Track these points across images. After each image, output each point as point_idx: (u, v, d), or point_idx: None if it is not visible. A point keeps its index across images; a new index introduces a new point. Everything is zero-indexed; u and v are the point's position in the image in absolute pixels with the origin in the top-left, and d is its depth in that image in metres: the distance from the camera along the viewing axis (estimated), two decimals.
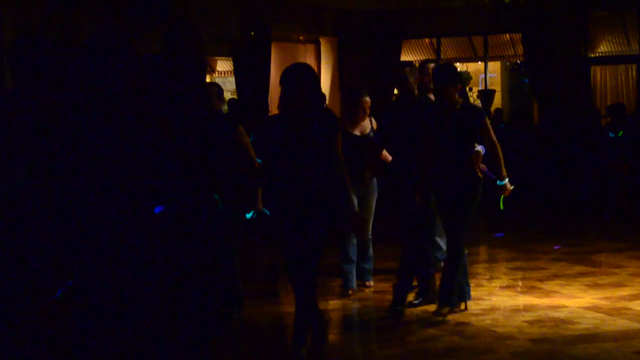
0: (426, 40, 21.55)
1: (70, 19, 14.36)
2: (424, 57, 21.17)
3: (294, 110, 6.82)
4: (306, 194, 6.79)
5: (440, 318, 8.20)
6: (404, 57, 21.15)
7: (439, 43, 21.34)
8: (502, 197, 8.63)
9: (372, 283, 9.66)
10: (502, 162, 8.41)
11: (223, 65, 21.97)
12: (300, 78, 6.79)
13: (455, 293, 8.35)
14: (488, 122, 8.38)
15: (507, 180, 8.51)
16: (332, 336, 7.90)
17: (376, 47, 20.32)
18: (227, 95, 21.69)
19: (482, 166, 9.13)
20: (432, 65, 9.80)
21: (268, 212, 7.46)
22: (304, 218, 6.80)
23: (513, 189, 8.62)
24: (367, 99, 9.46)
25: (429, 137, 8.28)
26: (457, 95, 8.24)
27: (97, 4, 14.36)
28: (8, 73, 10.06)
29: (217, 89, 8.62)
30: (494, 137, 8.35)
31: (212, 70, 22.06)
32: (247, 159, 8.18)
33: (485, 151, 8.75)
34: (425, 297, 8.77)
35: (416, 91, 8.83)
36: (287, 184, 6.84)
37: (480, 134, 8.32)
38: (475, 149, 8.49)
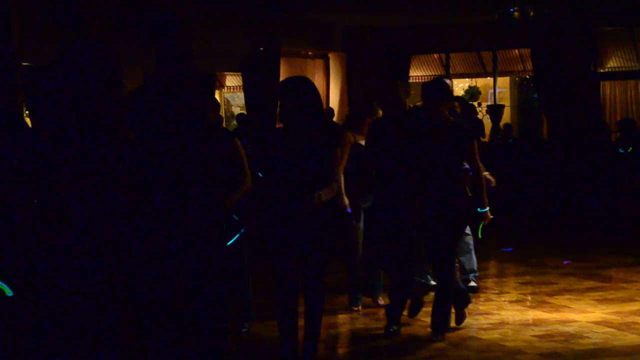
0: (435, 55, 21.58)
1: (80, 28, 14.41)
2: (433, 73, 21.21)
3: (289, 123, 6.76)
4: (300, 210, 6.69)
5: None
6: (413, 73, 21.21)
7: (447, 58, 21.36)
8: (481, 224, 8.26)
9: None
10: (485, 189, 8.14)
11: (232, 80, 22.01)
12: (297, 90, 6.74)
13: (449, 320, 8.20)
14: (476, 145, 8.11)
15: (487, 208, 8.17)
16: (342, 349, 7.90)
17: (385, 63, 20.35)
18: (236, 110, 21.75)
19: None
20: (447, 80, 9.81)
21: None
22: (296, 237, 6.72)
23: (492, 218, 8.30)
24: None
25: (420, 155, 8.05)
26: (447, 113, 8.04)
27: (106, 16, 14.41)
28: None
29: (214, 102, 8.43)
30: (479, 162, 8.09)
31: (222, 85, 22.12)
32: (241, 172, 7.92)
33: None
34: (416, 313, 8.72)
35: (407, 106, 8.56)
36: (281, 199, 6.75)
37: (466, 155, 8.02)
38: (464, 167, 8.17)
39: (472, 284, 10.13)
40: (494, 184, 10.13)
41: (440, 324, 8.06)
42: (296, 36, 19.11)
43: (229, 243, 7.45)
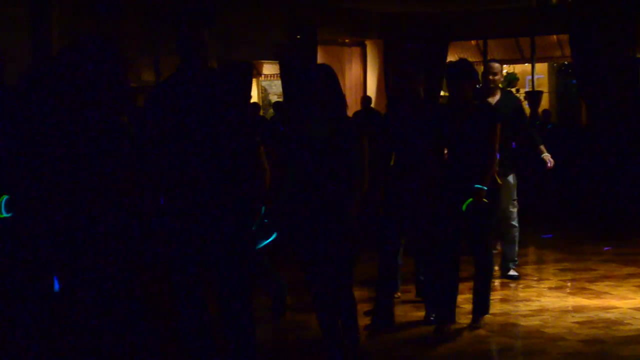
0: (472, 42, 21.49)
1: (118, 27, 14.48)
2: (471, 59, 21.09)
3: (308, 115, 6.64)
4: (323, 203, 6.54)
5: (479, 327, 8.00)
6: (451, 59, 21.11)
7: (485, 45, 21.26)
8: (469, 200, 7.66)
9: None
10: (494, 172, 7.82)
11: (269, 68, 22.04)
12: (314, 80, 6.61)
13: (488, 305, 8.10)
14: (498, 128, 7.83)
15: (484, 188, 7.70)
16: (381, 336, 7.90)
17: (422, 50, 20.28)
18: (273, 99, 21.78)
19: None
20: (496, 64, 9.81)
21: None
22: (321, 230, 6.55)
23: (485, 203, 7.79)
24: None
25: (439, 142, 7.87)
26: (470, 94, 7.80)
27: (144, 12, 14.47)
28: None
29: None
30: (496, 147, 7.82)
31: (259, 73, 22.15)
32: (259, 167, 7.70)
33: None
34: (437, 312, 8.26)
35: (422, 93, 8.21)
36: (304, 193, 6.60)
37: (486, 136, 7.78)
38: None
39: (513, 272, 10.13)
40: (550, 166, 10.20)
41: (479, 309, 8.03)
42: (333, 24, 19.11)
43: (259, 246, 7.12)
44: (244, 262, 5.85)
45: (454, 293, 7.94)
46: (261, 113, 19.05)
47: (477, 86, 8.54)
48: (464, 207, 7.62)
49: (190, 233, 5.77)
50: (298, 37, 18.20)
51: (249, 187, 5.89)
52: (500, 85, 10.06)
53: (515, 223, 10.04)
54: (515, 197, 10.06)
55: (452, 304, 7.94)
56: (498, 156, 8.27)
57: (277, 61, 19.24)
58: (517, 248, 10.19)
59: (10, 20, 10.37)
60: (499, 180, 7.95)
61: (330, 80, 6.64)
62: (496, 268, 9.95)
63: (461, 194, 7.68)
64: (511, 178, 9.90)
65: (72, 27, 12.99)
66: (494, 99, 9.70)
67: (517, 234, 10.10)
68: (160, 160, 5.79)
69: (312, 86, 6.63)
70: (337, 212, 6.51)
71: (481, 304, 8.03)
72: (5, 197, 5.74)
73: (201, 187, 5.76)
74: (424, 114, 8.03)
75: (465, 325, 8.02)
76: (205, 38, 5.88)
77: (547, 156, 10.21)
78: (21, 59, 10.00)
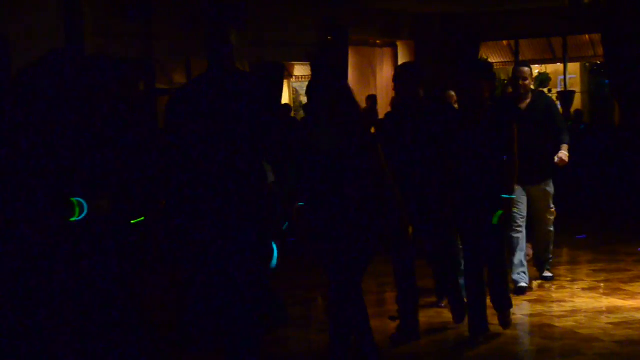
0: (504, 42, 21.43)
1: (149, 28, 14.54)
2: (503, 59, 21.07)
3: (315, 123, 6.43)
4: (339, 210, 6.33)
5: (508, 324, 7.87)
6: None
7: (517, 45, 21.20)
8: (499, 212, 7.47)
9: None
10: (512, 175, 7.55)
11: (301, 69, 22.07)
12: (320, 85, 6.41)
13: (508, 300, 7.87)
14: (515, 129, 7.54)
15: (513, 196, 7.62)
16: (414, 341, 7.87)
17: (454, 50, 20.24)
18: (304, 100, 21.80)
19: None
20: (526, 68, 9.56)
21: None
22: (341, 232, 6.35)
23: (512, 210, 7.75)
24: (452, 93, 9.33)
25: (448, 145, 7.51)
26: (487, 95, 7.50)
27: (176, 13, 14.52)
28: None
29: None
30: (515, 149, 7.52)
31: (290, 74, 22.19)
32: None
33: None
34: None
35: (421, 93, 7.64)
36: (319, 200, 6.40)
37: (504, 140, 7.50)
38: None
39: (547, 273, 10.05)
40: (558, 162, 9.63)
41: (499, 307, 7.82)
42: (364, 25, 19.12)
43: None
44: (258, 268, 5.85)
45: (484, 304, 7.73)
46: (292, 114, 19.07)
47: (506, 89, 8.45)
48: (495, 220, 7.44)
49: (209, 236, 5.79)
50: (329, 38, 18.21)
51: (266, 190, 5.88)
52: (532, 87, 9.79)
53: (551, 228, 9.86)
54: (551, 205, 9.71)
55: (484, 314, 7.73)
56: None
57: (309, 63, 19.27)
58: (551, 249, 10.07)
59: (43, 21, 10.45)
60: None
61: (342, 96, 6.40)
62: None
63: (483, 204, 7.48)
64: (548, 185, 9.61)
65: (104, 29, 13.07)
66: (524, 104, 9.52)
67: (552, 238, 9.96)
68: (181, 160, 5.79)
69: (321, 101, 6.41)
70: (347, 224, 6.34)
71: (503, 302, 7.83)
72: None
73: (217, 190, 5.75)
74: (424, 115, 7.59)
75: (497, 326, 7.99)
76: (232, 40, 5.86)
77: (563, 154, 9.60)
78: None
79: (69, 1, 10.92)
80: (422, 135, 7.52)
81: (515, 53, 21.18)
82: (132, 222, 5.89)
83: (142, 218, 6.73)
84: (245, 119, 5.80)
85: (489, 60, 21.10)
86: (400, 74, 7.54)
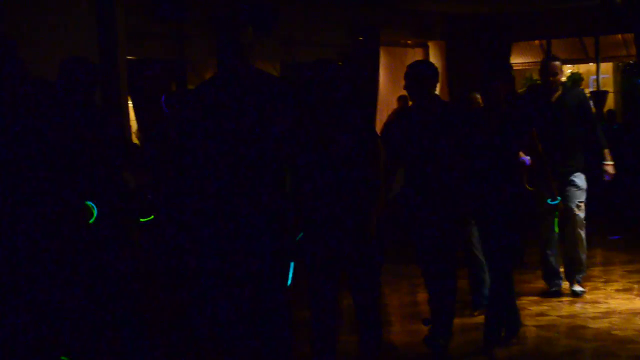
0: (536, 42, 21.32)
1: (182, 30, 14.58)
2: (534, 60, 20.97)
3: (321, 125, 6.31)
4: (340, 216, 6.27)
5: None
6: (514, 60, 20.99)
7: (549, 45, 21.07)
8: (556, 218, 7.38)
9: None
10: (551, 177, 7.51)
11: None
12: (327, 82, 6.30)
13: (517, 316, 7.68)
14: (535, 131, 7.45)
15: (559, 199, 7.51)
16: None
17: (485, 51, 20.16)
18: None
19: None
20: (557, 62, 9.33)
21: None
22: (339, 244, 6.30)
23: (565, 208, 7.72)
24: (477, 95, 9.22)
25: (464, 146, 7.27)
26: (503, 96, 7.33)
27: (207, 16, 14.53)
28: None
29: None
30: (540, 149, 7.47)
31: None
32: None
33: (529, 163, 8.00)
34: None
35: (432, 92, 7.34)
36: (321, 204, 6.31)
37: (525, 143, 7.42)
38: (520, 159, 7.72)
39: (577, 287, 9.40)
40: (610, 179, 9.49)
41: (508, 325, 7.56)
42: (395, 25, 19.08)
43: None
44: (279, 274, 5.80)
45: (514, 304, 7.64)
46: None
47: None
48: (556, 228, 7.46)
49: (221, 243, 5.70)
50: (360, 38, 18.19)
51: (281, 195, 5.80)
52: (565, 82, 9.57)
53: (581, 231, 9.23)
54: (581, 199, 9.17)
55: (516, 314, 7.64)
56: (527, 162, 8.08)
57: (340, 63, 19.26)
58: (583, 259, 9.38)
59: (76, 21, 10.47)
60: (528, 187, 7.75)
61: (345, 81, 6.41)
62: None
63: (488, 209, 7.29)
64: (578, 179, 9.21)
65: (136, 30, 13.09)
66: (555, 97, 9.36)
67: (583, 245, 9.32)
68: (193, 163, 5.74)
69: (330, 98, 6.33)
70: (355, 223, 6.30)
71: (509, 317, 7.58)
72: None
73: (228, 192, 5.66)
74: (438, 116, 7.33)
75: (531, 327, 7.96)
76: (246, 41, 5.72)
77: (609, 166, 9.43)
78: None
79: (100, 2, 10.95)
80: (430, 134, 7.29)
81: (547, 53, 21.05)
82: (142, 220, 5.92)
83: (152, 217, 6.76)
84: (254, 122, 5.68)
85: (520, 60, 21.02)
86: (408, 73, 7.41)
